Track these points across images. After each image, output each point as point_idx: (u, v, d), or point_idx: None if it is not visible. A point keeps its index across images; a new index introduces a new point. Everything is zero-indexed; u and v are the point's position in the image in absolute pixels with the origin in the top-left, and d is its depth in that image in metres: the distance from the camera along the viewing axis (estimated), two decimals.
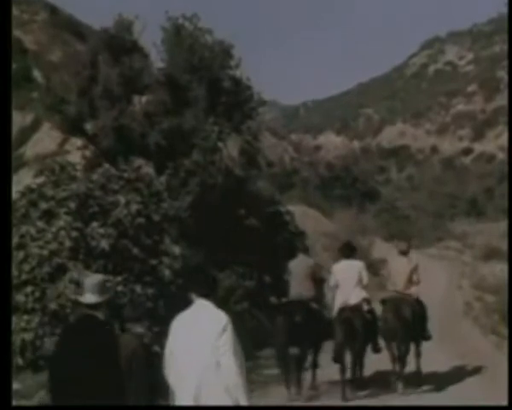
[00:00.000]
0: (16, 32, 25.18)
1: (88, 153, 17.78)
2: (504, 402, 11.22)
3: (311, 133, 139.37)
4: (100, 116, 17.16)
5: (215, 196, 17.57)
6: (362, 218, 57.14)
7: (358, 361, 12.98)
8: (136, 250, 10.54)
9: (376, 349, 13.39)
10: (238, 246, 18.19)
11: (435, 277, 25.11)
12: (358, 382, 13.04)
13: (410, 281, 13.49)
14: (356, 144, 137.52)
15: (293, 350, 12.58)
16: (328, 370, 13.53)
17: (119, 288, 10.21)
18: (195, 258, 16.78)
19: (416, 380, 13.43)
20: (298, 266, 13.42)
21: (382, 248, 43.99)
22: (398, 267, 13.74)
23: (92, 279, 6.14)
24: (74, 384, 5.74)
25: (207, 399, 5.82)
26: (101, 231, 10.27)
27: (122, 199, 10.73)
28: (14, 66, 19.86)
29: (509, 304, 18.93)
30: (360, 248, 38.23)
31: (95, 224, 10.44)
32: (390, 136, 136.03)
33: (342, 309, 12.67)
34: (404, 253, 13.83)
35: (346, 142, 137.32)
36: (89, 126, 17.42)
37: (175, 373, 5.94)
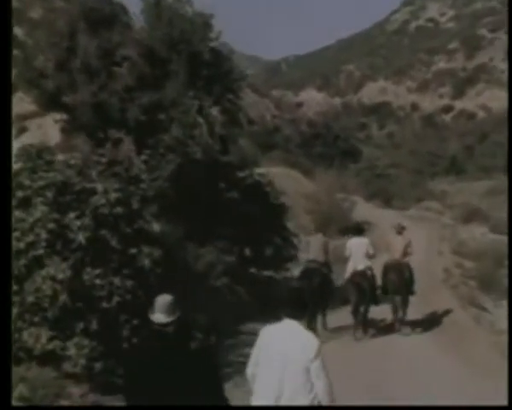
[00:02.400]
0: None
1: (66, 125, 17.60)
2: (504, 400, 11.54)
3: (293, 89, 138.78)
4: (78, 90, 16.89)
5: (195, 171, 17.44)
6: (343, 176, 56.91)
7: (365, 311, 16.97)
8: (114, 241, 10.40)
9: (376, 302, 17.24)
10: (218, 220, 18.13)
11: (415, 241, 25.04)
12: (365, 326, 17.05)
13: (405, 253, 17.30)
14: (337, 101, 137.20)
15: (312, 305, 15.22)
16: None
17: (97, 281, 10.11)
18: (175, 234, 16.73)
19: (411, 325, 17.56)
20: (315, 241, 17.63)
21: (364, 209, 44.07)
22: (395, 243, 17.43)
23: (162, 299, 6.65)
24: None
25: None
26: (78, 223, 10.10)
27: (100, 187, 10.55)
28: None
29: (508, 303, 20.15)
30: (342, 210, 38.38)
31: (72, 214, 10.25)
32: (371, 92, 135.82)
33: (353, 274, 16.80)
34: (400, 232, 17.60)
35: (328, 98, 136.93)
36: (67, 100, 17.12)
37: (259, 381, 6.70)
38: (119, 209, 10.62)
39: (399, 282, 17.00)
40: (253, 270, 19.32)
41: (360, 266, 16.76)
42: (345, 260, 17.63)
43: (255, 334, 15.71)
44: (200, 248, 16.93)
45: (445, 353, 15.67)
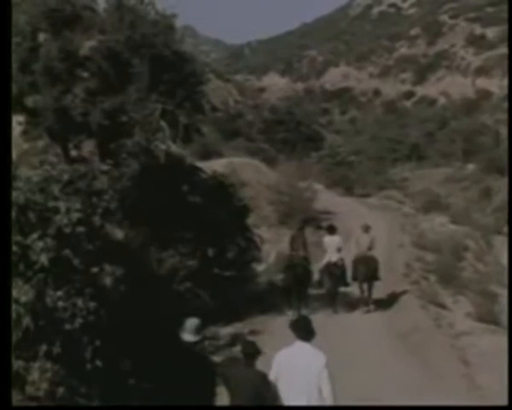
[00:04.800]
0: None
1: (29, 128, 17.46)
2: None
3: (256, 74, 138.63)
4: (41, 93, 16.70)
5: (157, 174, 17.41)
6: (305, 164, 56.72)
7: (336, 292, 21.04)
8: (76, 261, 10.39)
9: (346, 285, 21.36)
10: (181, 223, 18.12)
11: (377, 233, 25.54)
12: (338, 304, 20.94)
13: (370, 247, 21.26)
14: (300, 86, 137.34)
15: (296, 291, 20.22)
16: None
17: (60, 303, 10.10)
18: (138, 239, 16.70)
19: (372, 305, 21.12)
20: (296, 237, 20.73)
21: (325, 198, 44.17)
22: (362, 240, 21.43)
23: (190, 323, 8.57)
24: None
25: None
26: (41, 244, 10.06)
27: (62, 206, 10.48)
28: None
29: (509, 303, 21.70)
30: (304, 201, 38.42)
31: (34, 235, 10.20)
32: (333, 78, 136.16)
33: (328, 264, 20.87)
34: (366, 231, 21.64)
35: (290, 83, 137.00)
36: (30, 103, 16.91)
37: (284, 392, 8.50)
38: (81, 228, 10.60)
39: (366, 271, 20.77)
40: (216, 271, 19.34)
41: (333, 259, 20.79)
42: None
43: (217, 339, 16.00)
44: (163, 252, 16.93)
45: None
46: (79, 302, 10.22)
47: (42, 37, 17.29)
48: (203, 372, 8.54)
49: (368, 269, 20.83)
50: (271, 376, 8.59)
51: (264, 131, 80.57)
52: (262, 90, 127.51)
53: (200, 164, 27.59)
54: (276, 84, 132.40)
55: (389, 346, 16.95)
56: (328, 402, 8.35)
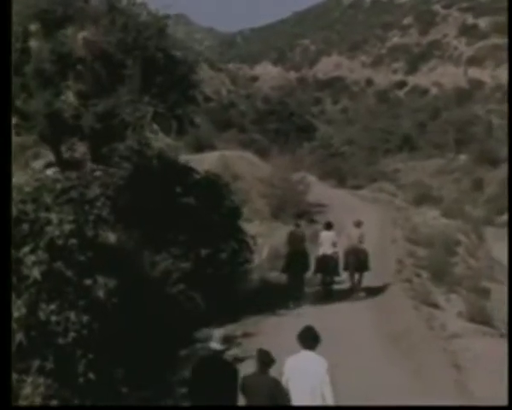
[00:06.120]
0: None
1: (20, 130, 17.39)
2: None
3: (248, 63, 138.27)
4: (33, 96, 16.61)
5: (150, 176, 17.37)
6: (297, 155, 56.57)
7: (330, 283, 22.63)
8: (69, 273, 10.36)
9: (339, 275, 22.71)
10: (174, 225, 18.09)
11: (369, 227, 25.62)
12: (332, 294, 22.50)
13: (361, 240, 22.61)
14: (292, 75, 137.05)
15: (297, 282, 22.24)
16: None
17: (53, 317, 10.07)
18: (131, 241, 16.64)
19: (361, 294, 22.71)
20: (294, 234, 22.70)
21: (318, 191, 44.12)
22: (353, 234, 22.86)
23: (217, 332, 9.34)
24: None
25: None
26: (33, 258, 10.02)
27: (54, 218, 10.43)
28: None
29: (508, 303, 22.17)
30: (296, 194, 38.35)
31: (26, 248, 10.15)
32: (326, 67, 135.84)
33: (323, 256, 22.28)
34: (357, 226, 22.95)
35: (283, 72, 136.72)
36: (21, 106, 16.82)
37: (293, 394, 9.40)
38: (73, 240, 10.56)
39: (356, 262, 22.33)
40: (209, 272, 19.26)
41: (329, 252, 22.25)
42: None
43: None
44: (156, 255, 16.91)
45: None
46: (72, 316, 10.21)
47: (33, 38, 17.17)
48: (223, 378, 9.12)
49: (358, 260, 22.38)
50: (283, 380, 9.41)
51: (257, 121, 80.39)
52: (255, 78, 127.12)
53: (192, 157, 27.60)
54: (268, 73, 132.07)
55: (380, 349, 16.92)
56: (329, 403, 9.31)
